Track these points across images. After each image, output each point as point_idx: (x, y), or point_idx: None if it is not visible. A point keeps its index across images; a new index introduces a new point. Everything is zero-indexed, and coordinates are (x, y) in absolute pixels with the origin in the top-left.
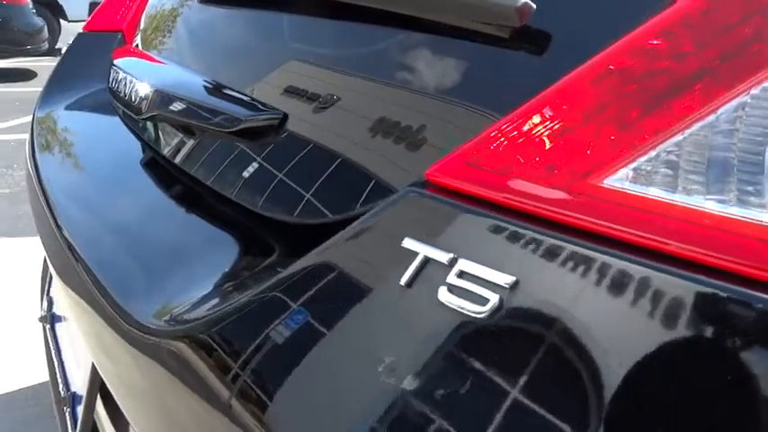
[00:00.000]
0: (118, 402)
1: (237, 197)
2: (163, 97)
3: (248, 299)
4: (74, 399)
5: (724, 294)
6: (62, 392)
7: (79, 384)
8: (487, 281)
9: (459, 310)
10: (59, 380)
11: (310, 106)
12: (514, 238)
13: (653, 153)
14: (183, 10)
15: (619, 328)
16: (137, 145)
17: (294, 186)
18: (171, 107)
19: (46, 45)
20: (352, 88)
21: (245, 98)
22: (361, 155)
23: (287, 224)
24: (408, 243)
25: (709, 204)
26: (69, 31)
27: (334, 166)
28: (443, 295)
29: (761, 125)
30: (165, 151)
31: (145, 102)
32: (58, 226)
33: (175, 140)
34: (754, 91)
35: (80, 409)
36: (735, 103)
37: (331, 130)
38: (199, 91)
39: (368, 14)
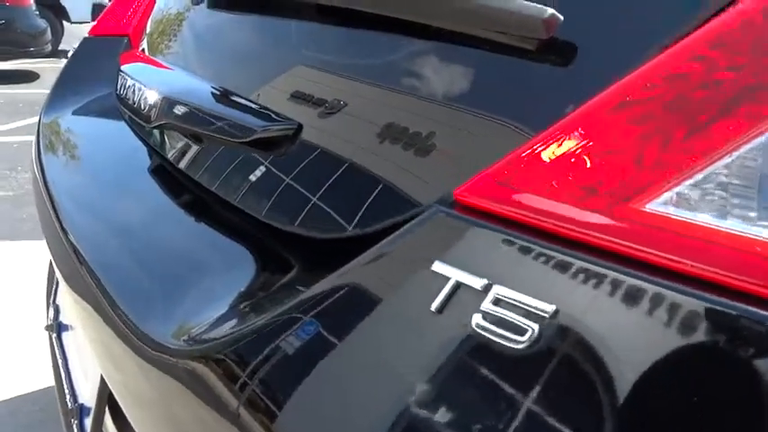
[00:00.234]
0: (127, 416)
1: (250, 208)
2: (173, 106)
3: (268, 321)
4: (81, 410)
5: None
6: (69, 404)
7: (87, 396)
8: (525, 309)
9: (495, 338)
10: (66, 391)
11: (325, 116)
12: (552, 263)
13: (699, 176)
14: (191, 15)
15: (666, 359)
16: (145, 152)
17: (310, 198)
18: (181, 116)
19: (49, 47)
20: (369, 98)
21: (257, 107)
22: (381, 168)
23: (303, 238)
24: (438, 267)
25: (761, 231)
26: (72, 33)
27: (352, 178)
28: (478, 323)
29: None
30: (174, 159)
31: (154, 110)
32: (65, 233)
33: (184, 149)
34: None
35: (88, 422)
36: None
37: (347, 140)
38: (209, 99)
39: (389, 23)
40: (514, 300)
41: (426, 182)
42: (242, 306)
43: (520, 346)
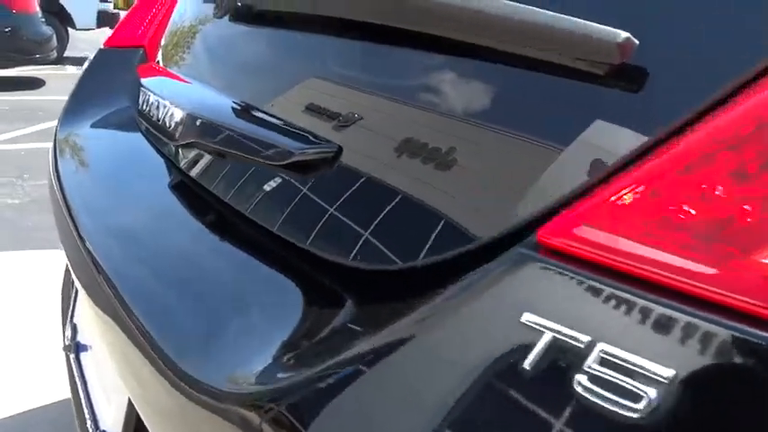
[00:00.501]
0: None
1: (291, 236)
2: (200, 124)
3: (327, 369)
4: None
5: None
6: (90, 429)
7: (110, 422)
8: (638, 371)
9: (604, 403)
10: (87, 415)
11: (367, 138)
12: (665, 320)
13: None
14: (212, 27)
15: None
16: (170, 169)
17: (357, 227)
18: (210, 135)
19: (54, 54)
20: (422, 122)
21: (291, 127)
22: (439, 197)
23: (352, 269)
24: (529, 318)
25: None
26: (77, 39)
27: (404, 206)
28: (581, 385)
29: None
30: (201, 179)
31: (180, 127)
32: (90, 255)
33: (213, 168)
34: None
35: None
36: None
37: (394, 166)
38: (239, 117)
39: (446, 44)
40: (624, 360)
41: (490, 215)
42: (293, 348)
43: (635, 415)
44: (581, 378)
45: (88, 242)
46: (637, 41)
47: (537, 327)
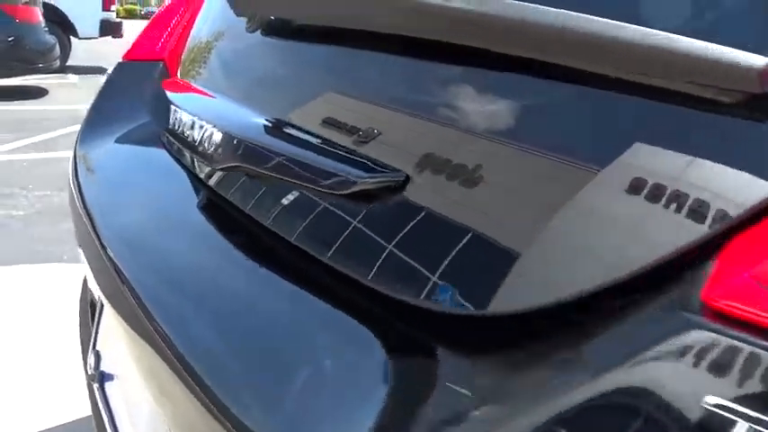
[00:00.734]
0: None
1: (356, 272)
2: (245, 147)
3: None
4: None
5: None
6: None
7: None
8: None
9: None
10: None
11: (442, 167)
12: None
13: None
14: (244, 41)
15: None
16: (206, 193)
17: (435, 266)
18: (258, 160)
19: (57, 63)
20: (504, 154)
21: (345, 151)
22: (558, 231)
23: (437, 314)
24: (715, 401)
25: None
26: (77, 48)
27: (479, 245)
28: None
29: None
30: (247, 206)
31: (221, 150)
32: (125, 282)
33: (260, 196)
34: None
35: None
36: None
37: (476, 200)
38: (288, 140)
39: (558, 72)
40: None
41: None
42: (382, 414)
43: None
44: None
45: (122, 267)
46: None
47: (726, 414)
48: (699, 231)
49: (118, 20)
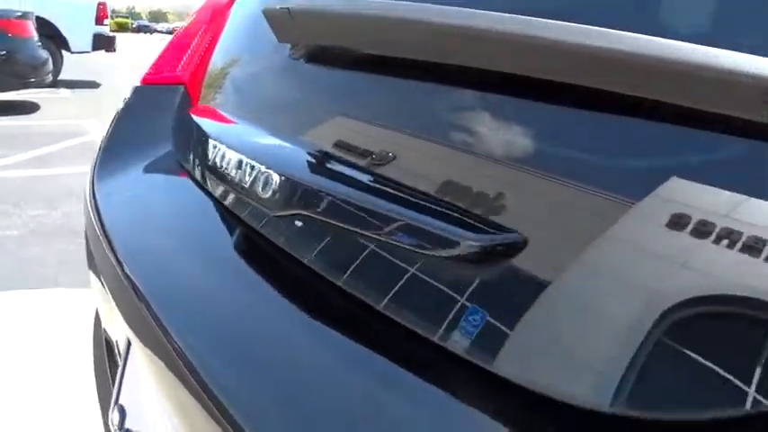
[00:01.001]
0: None
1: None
2: (313, 194)
3: None
4: None
5: None
6: None
7: None
8: None
9: None
10: None
11: (560, 227)
12: None
13: None
14: (289, 69)
15: None
16: (259, 244)
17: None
18: (332, 211)
19: (50, 77)
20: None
21: (439, 206)
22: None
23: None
24: None
25: None
26: (67, 62)
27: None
28: None
29: None
30: (308, 258)
31: (279, 194)
32: (167, 334)
33: (319, 244)
34: None
35: None
36: None
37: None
38: (367, 189)
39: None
40: None
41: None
42: None
43: None
44: None
45: (162, 317)
46: None
47: None
48: None
49: (111, 34)
